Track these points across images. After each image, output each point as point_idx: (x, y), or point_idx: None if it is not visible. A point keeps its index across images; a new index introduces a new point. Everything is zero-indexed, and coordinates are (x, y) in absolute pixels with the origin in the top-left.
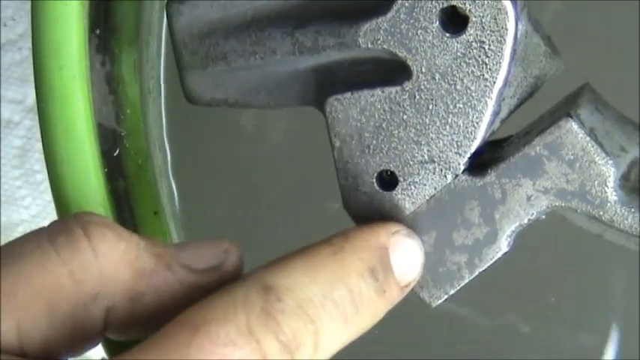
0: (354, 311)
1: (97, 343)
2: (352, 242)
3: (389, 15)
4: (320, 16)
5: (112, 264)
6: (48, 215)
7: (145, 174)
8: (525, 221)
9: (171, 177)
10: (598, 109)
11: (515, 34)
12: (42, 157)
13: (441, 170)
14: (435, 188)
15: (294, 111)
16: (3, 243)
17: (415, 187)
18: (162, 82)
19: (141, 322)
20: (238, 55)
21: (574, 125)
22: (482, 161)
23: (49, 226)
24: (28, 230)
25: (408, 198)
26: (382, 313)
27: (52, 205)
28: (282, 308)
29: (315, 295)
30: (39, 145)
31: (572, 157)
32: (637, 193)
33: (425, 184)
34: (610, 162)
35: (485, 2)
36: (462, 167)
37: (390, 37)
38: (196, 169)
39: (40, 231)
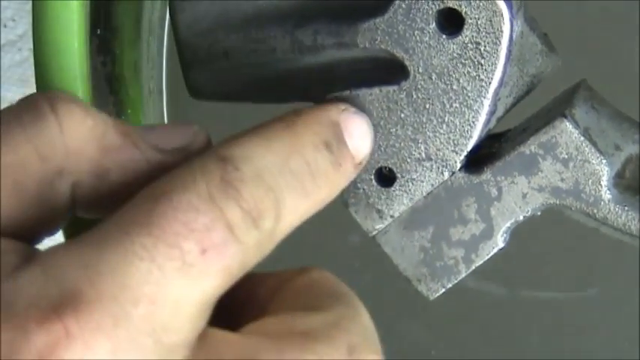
0: (311, 182)
1: (64, 221)
2: (304, 117)
3: (386, 15)
4: (319, 15)
5: (79, 140)
6: None
7: None
8: (521, 218)
9: None
10: (594, 107)
11: (511, 35)
12: None
13: (438, 168)
14: (433, 185)
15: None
16: None
17: (413, 183)
18: (163, 82)
19: (106, 200)
20: (239, 52)
21: (568, 125)
22: (479, 156)
23: (15, 104)
24: None
25: (406, 194)
26: (339, 187)
27: None
28: (240, 177)
29: (273, 165)
30: None
31: (566, 156)
32: (631, 191)
33: (422, 181)
34: (604, 161)
35: (481, 4)
36: (459, 165)
37: (387, 38)
38: None
39: (7, 110)
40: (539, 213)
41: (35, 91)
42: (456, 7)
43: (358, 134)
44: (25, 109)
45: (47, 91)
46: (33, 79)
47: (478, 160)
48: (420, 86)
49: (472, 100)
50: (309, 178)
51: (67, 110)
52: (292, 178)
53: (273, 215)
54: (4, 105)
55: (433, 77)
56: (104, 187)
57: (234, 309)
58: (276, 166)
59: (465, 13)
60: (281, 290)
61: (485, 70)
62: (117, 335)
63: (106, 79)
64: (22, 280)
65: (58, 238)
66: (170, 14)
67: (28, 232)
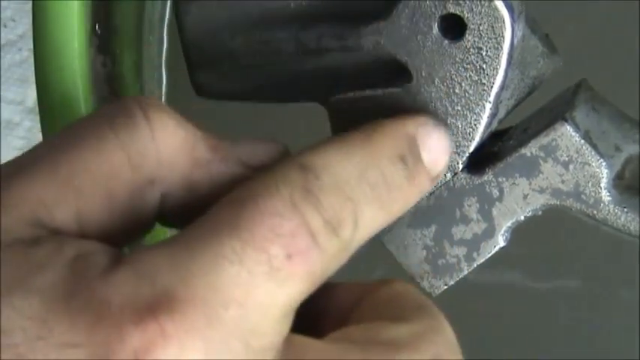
0: (387, 195)
1: (149, 231)
2: (381, 130)
3: (390, 20)
4: (324, 18)
5: (171, 150)
6: None
7: None
8: (522, 218)
9: None
10: (594, 109)
11: (512, 41)
12: None
13: None
14: (435, 185)
15: (299, 112)
16: None
17: None
18: (163, 83)
19: (191, 212)
20: (244, 53)
21: (569, 129)
22: (481, 155)
23: (107, 107)
24: None
25: None
26: (412, 201)
27: None
28: (320, 185)
29: (351, 175)
30: None
31: (566, 158)
32: (631, 191)
33: None
34: (603, 164)
35: (483, 10)
36: (461, 166)
37: (390, 41)
38: None
39: (99, 113)
40: (540, 212)
41: (35, 90)
42: (458, 12)
43: (435, 148)
44: (118, 115)
45: (140, 97)
46: (33, 79)
47: (480, 159)
48: (422, 89)
49: (474, 103)
50: (385, 191)
51: (159, 119)
52: (369, 190)
53: (352, 225)
54: (4, 105)
55: (436, 81)
56: (191, 199)
57: (314, 317)
58: (354, 177)
59: (467, 18)
60: (364, 301)
61: (487, 74)
62: (210, 337)
63: (106, 79)
64: (114, 280)
65: None
66: (176, 16)
67: (114, 240)
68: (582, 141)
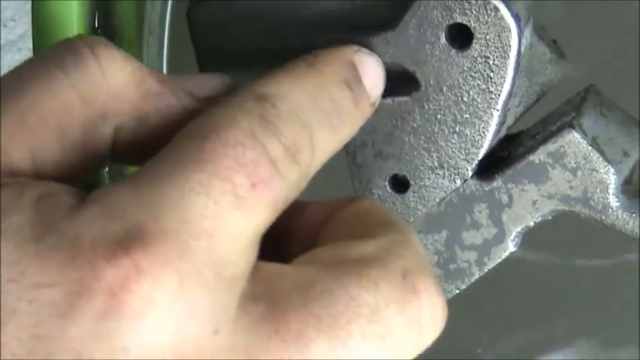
0: (338, 119)
1: (104, 167)
2: (322, 58)
3: (398, 29)
4: (332, 28)
5: (120, 84)
6: None
7: None
8: (531, 223)
9: None
10: (602, 114)
11: (519, 49)
12: None
13: (450, 175)
14: (445, 192)
15: None
16: None
17: (426, 190)
18: None
19: (144, 146)
20: (257, 60)
21: (576, 136)
22: (491, 160)
23: (53, 47)
24: None
25: (419, 200)
26: (358, 124)
27: None
28: (277, 114)
29: (305, 102)
30: None
31: (574, 165)
32: (638, 197)
33: (435, 188)
34: (611, 170)
35: (489, 20)
36: (470, 173)
37: (399, 51)
38: None
39: (45, 55)
40: (549, 217)
41: None
42: (465, 22)
43: (372, 74)
44: (65, 54)
45: (85, 36)
46: None
47: (490, 165)
48: (431, 98)
49: (482, 111)
50: (336, 115)
51: (107, 54)
52: (321, 115)
53: (309, 150)
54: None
55: (444, 89)
56: (143, 132)
57: (283, 238)
58: (307, 103)
59: (474, 28)
60: (331, 220)
61: (495, 82)
62: (182, 268)
63: None
64: (82, 217)
65: None
66: (188, 22)
67: (70, 177)
68: (590, 147)
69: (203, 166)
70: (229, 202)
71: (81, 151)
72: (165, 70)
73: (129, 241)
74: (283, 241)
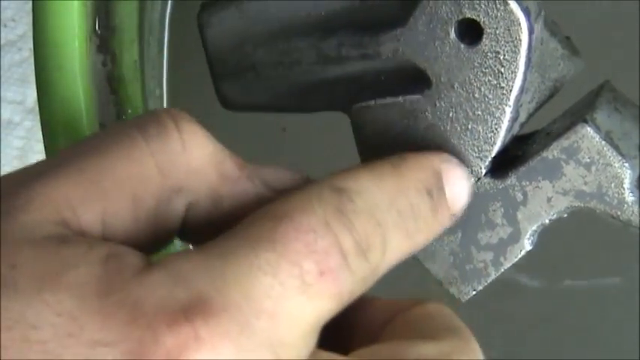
0: (413, 224)
1: (171, 242)
2: (409, 162)
3: (407, 26)
4: (343, 28)
5: (200, 162)
6: None
7: None
8: (547, 221)
9: None
10: (617, 109)
11: (529, 44)
12: (42, 158)
13: None
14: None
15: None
16: None
17: None
18: (163, 82)
19: (214, 227)
20: (267, 65)
21: (590, 130)
22: (505, 159)
23: (138, 117)
24: None
25: None
26: (434, 233)
27: None
28: (353, 208)
29: (382, 202)
30: (39, 146)
31: (588, 160)
32: None
33: None
34: (626, 164)
35: (499, 14)
36: (484, 171)
37: (409, 48)
38: None
39: (129, 122)
40: (565, 215)
41: (35, 90)
42: (474, 17)
43: (456, 185)
44: (149, 123)
45: (171, 109)
46: (33, 79)
47: (504, 163)
48: (442, 95)
49: (494, 107)
50: (412, 220)
51: (190, 130)
52: (398, 218)
53: (380, 250)
54: (4, 105)
55: (455, 86)
56: (215, 214)
57: (345, 330)
58: (385, 203)
59: (484, 23)
60: (396, 319)
61: (506, 78)
62: (241, 344)
63: (106, 78)
64: (148, 281)
65: None
66: (199, 28)
67: (137, 248)
68: (603, 142)
69: (274, 247)
70: (295, 287)
71: (152, 223)
72: (165, 70)
73: (191, 309)
74: (344, 334)
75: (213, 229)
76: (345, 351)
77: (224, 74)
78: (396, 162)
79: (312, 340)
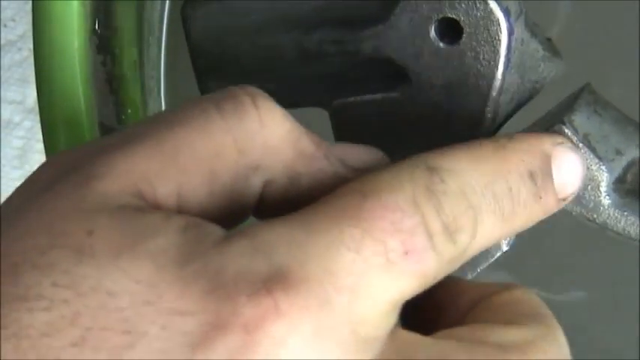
0: (510, 209)
1: (246, 219)
2: (516, 143)
3: (388, 24)
4: (324, 24)
5: (277, 139)
6: None
7: None
8: None
9: None
10: (596, 112)
11: (509, 44)
12: (42, 157)
13: None
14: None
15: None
16: None
17: None
18: (162, 82)
19: (290, 205)
20: (250, 58)
21: (566, 131)
22: None
23: (214, 94)
24: None
25: None
26: (535, 219)
27: None
28: (444, 189)
29: (477, 184)
30: (39, 146)
31: None
32: (632, 196)
33: None
34: (603, 167)
35: (478, 14)
36: None
37: (389, 45)
38: None
39: (205, 98)
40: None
41: (35, 90)
42: (454, 16)
43: (567, 170)
44: (226, 100)
45: (247, 86)
46: (33, 79)
47: None
48: (422, 93)
49: (473, 107)
50: (509, 205)
51: (268, 107)
52: (493, 201)
53: (469, 233)
54: (4, 105)
55: (435, 84)
56: (292, 192)
57: (425, 313)
58: (480, 185)
59: (464, 22)
60: (481, 303)
61: (485, 77)
62: (320, 319)
63: (106, 78)
64: (229, 251)
65: None
66: (183, 22)
67: (213, 223)
68: (580, 144)
69: (358, 223)
70: (378, 264)
71: (227, 199)
72: (164, 70)
73: (272, 281)
74: (428, 315)
75: (290, 207)
76: (428, 332)
77: (207, 68)
78: (502, 142)
79: (391, 318)
